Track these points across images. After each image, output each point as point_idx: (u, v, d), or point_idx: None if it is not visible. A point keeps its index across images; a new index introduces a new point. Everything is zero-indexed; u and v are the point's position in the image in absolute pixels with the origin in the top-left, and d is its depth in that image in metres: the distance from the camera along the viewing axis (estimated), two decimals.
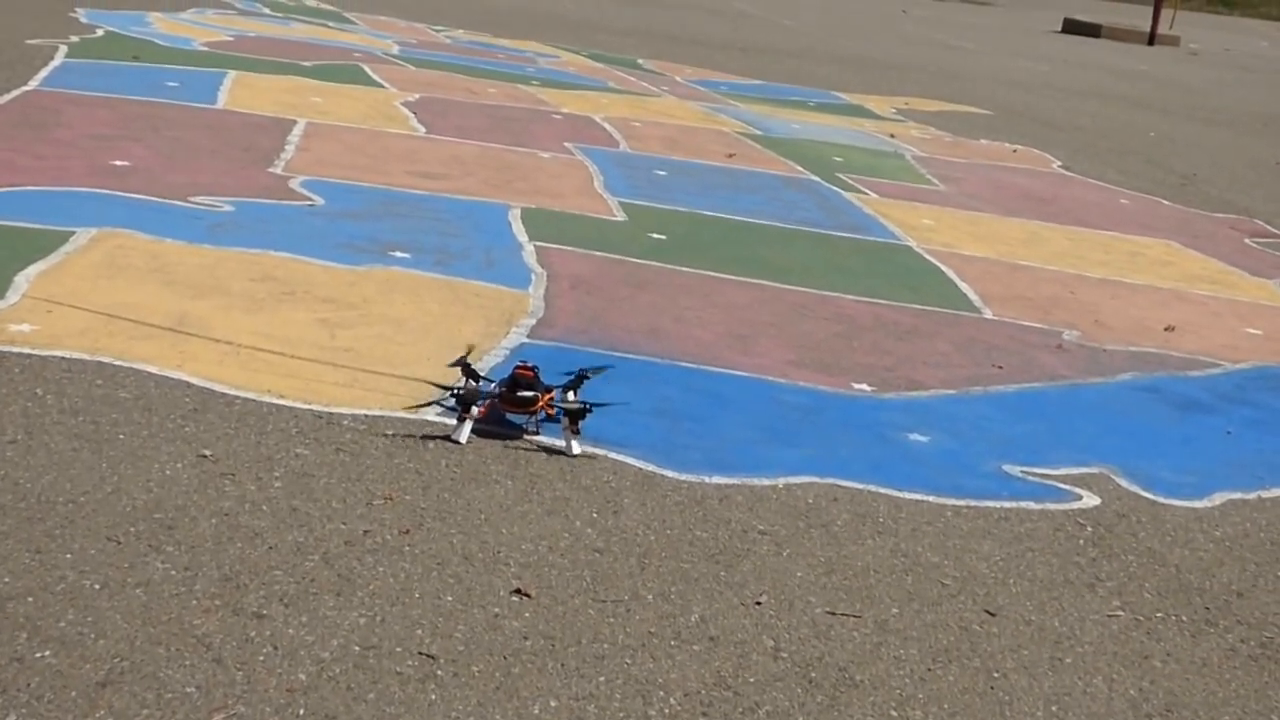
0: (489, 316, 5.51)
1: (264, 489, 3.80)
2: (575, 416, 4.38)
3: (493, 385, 4.56)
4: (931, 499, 4.32)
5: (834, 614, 3.53)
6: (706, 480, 4.24)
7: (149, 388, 4.37)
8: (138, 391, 4.33)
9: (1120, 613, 3.75)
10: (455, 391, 4.48)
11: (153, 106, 8.94)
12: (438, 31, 16.63)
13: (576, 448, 4.34)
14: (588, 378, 4.67)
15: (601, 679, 3.10)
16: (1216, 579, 4.03)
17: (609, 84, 13.45)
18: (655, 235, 7.22)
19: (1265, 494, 4.71)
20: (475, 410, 4.38)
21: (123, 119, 8.38)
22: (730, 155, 9.96)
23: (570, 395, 4.56)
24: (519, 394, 4.45)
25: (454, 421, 4.35)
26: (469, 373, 4.58)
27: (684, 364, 5.26)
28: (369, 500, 3.80)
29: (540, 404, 4.45)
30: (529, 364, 4.56)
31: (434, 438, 4.27)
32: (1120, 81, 20.29)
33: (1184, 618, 3.77)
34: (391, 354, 4.95)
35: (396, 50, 14.09)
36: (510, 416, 4.47)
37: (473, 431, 4.32)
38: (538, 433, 4.45)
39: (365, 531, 3.62)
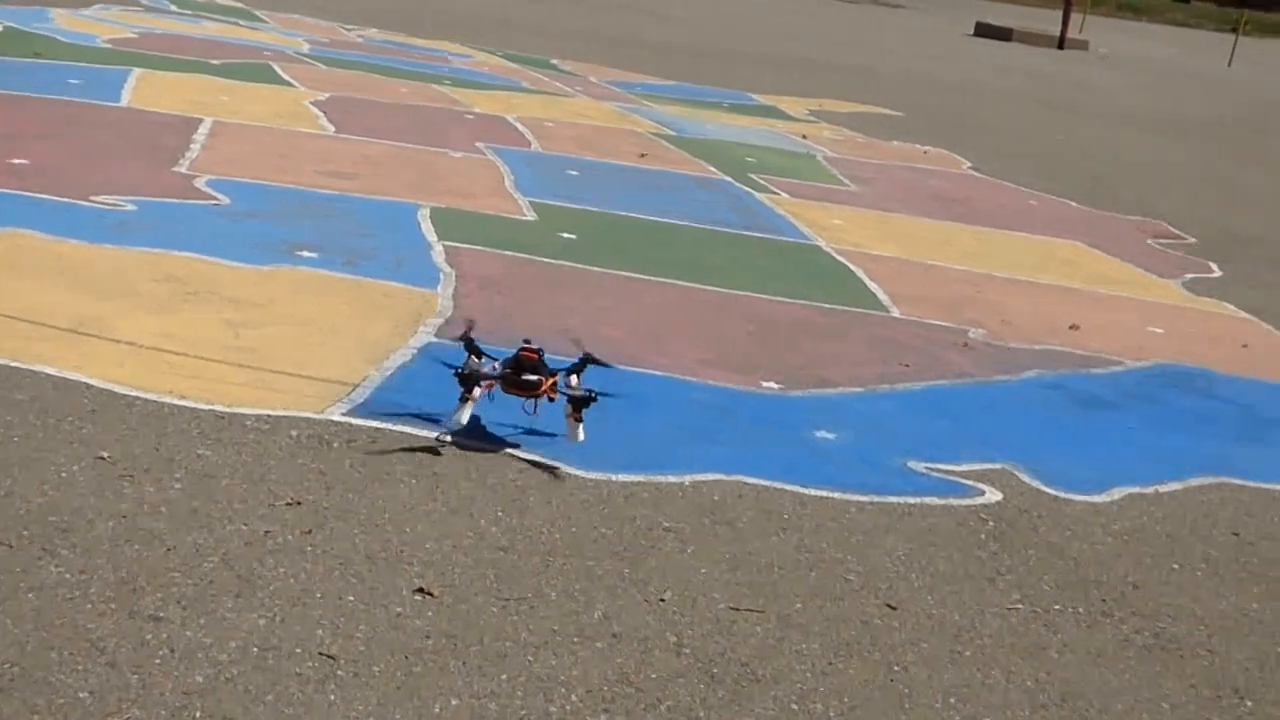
0: (397, 316, 5.49)
1: (163, 490, 3.76)
2: (579, 404, 4.33)
3: (495, 365, 4.46)
4: (837, 495, 4.34)
5: (737, 610, 3.55)
6: (613, 478, 4.24)
7: (47, 389, 4.31)
8: (35, 393, 4.27)
9: (1019, 605, 3.80)
10: (457, 371, 4.39)
11: (54, 104, 8.83)
12: (350, 30, 16.53)
13: (580, 435, 4.31)
14: (593, 362, 4.58)
15: (503, 677, 3.10)
16: (1113, 572, 4.08)
17: (522, 84, 13.43)
18: (566, 235, 7.22)
19: (1163, 489, 4.78)
20: (477, 392, 4.31)
21: (22, 117, 8.27)
22: (643, 155, 9.98)
23: (573, 379, 4.49)
24: (524, 377, 4.36)
25: (360, 421, 4.33)
26: (472, 348, 4.48)
27: (593, 364, 5.25)
28: (271, 501, 3.77)
29: (544, 388, 4.37)
30: (533, 346, 4.45)
31: (338, 438, 4.25)
32: (1030, 84, 20.52)
33: (1081, 610, 3.82)
34: (297, 354, 4.92)
35: (307, 49, 13.99)
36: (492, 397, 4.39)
37: (380, 428, 4.30)
38: (535, 413, 4.40)
39: (267, 532, 3.60)
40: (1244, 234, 9.99)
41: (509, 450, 4.33)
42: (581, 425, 4.34)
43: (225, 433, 4.17)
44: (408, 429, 4.39)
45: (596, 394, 4.37)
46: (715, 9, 29.24)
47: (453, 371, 4.42)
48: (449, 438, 4.31)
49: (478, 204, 7.68)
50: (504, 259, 6.57)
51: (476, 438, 4.35)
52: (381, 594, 3.37)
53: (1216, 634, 3.79)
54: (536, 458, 4.28)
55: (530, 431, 4.46)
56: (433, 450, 4.25)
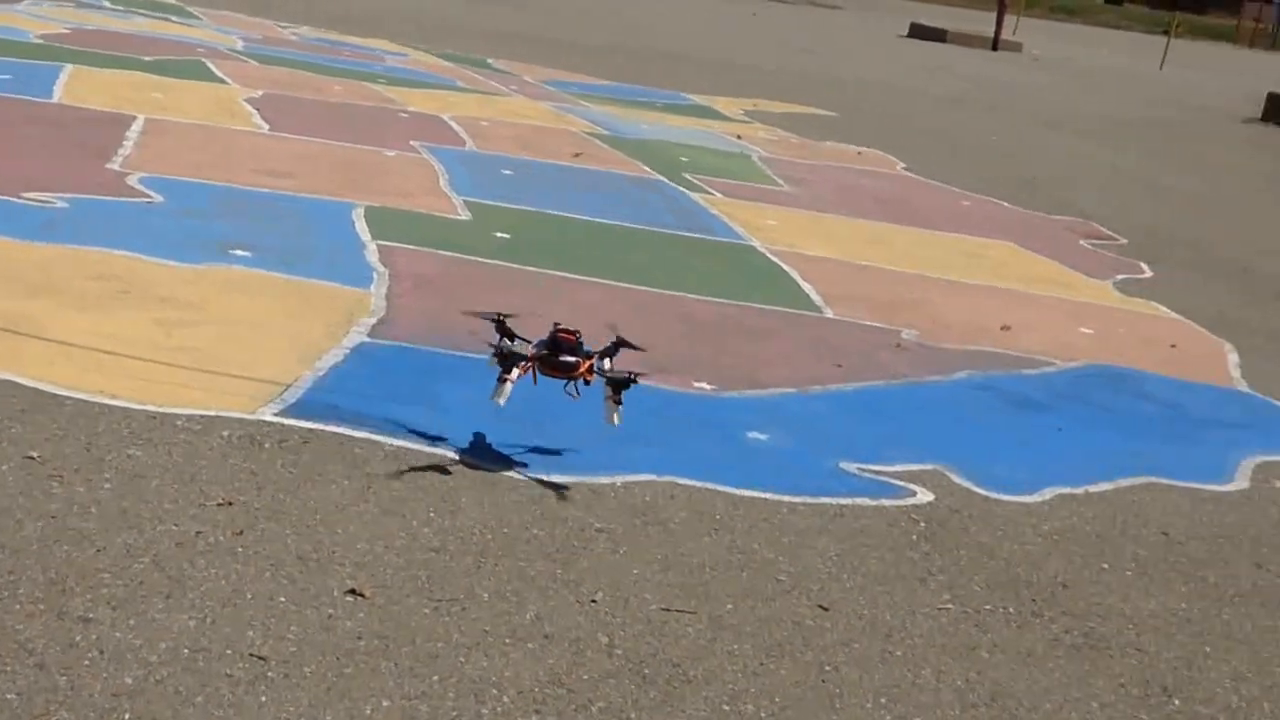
0: (330, 316, 5.46)
1: (93, 491, 3.72)
2: (618, 386, 4.29)
3: (531, 346, 4.41)
4: (769, 496, 4.36)
5: (669, 610, 3.55)
6: (546, 479, 4.24)
7: None
8: None
9: (950, 605, 3.82)
10: (497, 350, 4.33)
11: None
12: (284, 28, 16.43)
13: (617, 419, 4.27)
14: (625, 345, 4.51)
15: (435, 678, 3.09)
16: (1043, 571, 4.12)
17: (458, 83, 13.40)
18: (500, 234, 7.21)
19: (1093, 489, 4.82)
20: (515, 372, 4.26)
21: None
22: (577, 155, 9.98)
23: (607, 363, 4.44)
24: (561, 358, 4.31)
25: (300, 422, 4.31)
26: (504, 331, 4.42)
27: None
28: (202, 502, 3.75)
29: (581, 370, 4.32)
30: (570, 328, 4.40)
31: (270, 438, 4.22)
32: (964, 86, 20.67)
33: (1011, 609, 3.85)
34: (230, 353, 4.89)
35: (241, 46, 13.90)
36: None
37: (312, 428, 4.28)
38: (576, 395, 4.34)
39: (198, 533, 3.57)
40: (1174, 235, 10.10)
41: (452, 458, 4.32)
42: (619, 409, 4.28)
43: (156, 433, 4.14)
44: (340, 429, 4.37)
45: (635, 376, 4.32)
46: (651, 10, 29.26)
47: (492, 351, 4.35)
48: (501, 401, 4.25)
49: (412, 203, 7.66)
50: (438, 258, 6.55)
51: (483, 456, 4.32)
52: (313, 595, 3.35)
53: (1145, 633, 3.83)
54: (542, 476, 4.25)
55: (535, 450, 4.44)
56: (365, 451, 4.24)
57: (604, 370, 4.38)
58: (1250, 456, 5.34)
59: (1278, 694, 3.59)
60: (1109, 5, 62.31)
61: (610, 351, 4.47)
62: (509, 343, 4.38)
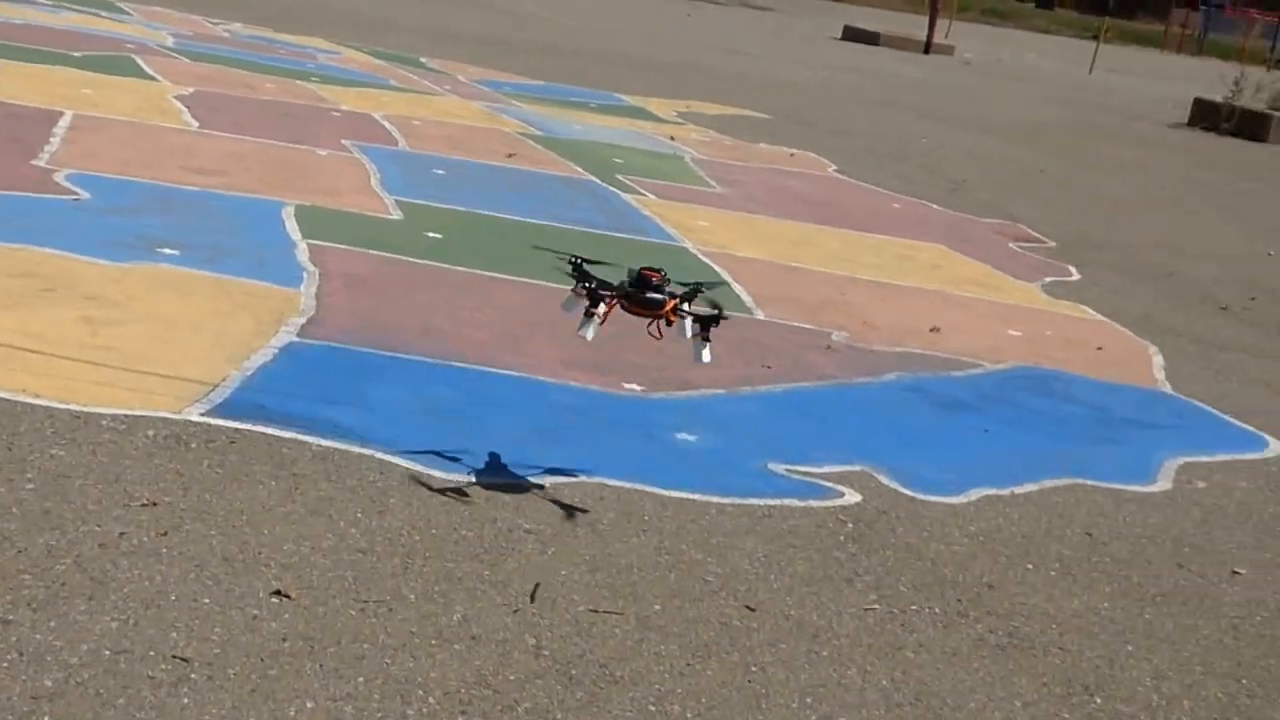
0: (259, 315, 5.43)
1: (15, 491, 3.68)
2: (707, 322, 4.24)
3: (615, 286, 4.31)
4: (697, 497, 4.37)
5: (596, 611, 3.56)
6: (474, 480, 4.23)
7: None
8: None
9: (876, 606, 3.85)
10: (586, 286, 4.26)
11: None
12: (216, 25, 16.31)
13: (707, 355, 4.21)
14: (701, 291, 4.40)
15: (360, 679, 3.08)
16: (969, 572, 4.15)
17: (391, 82, 13.34)
18: (432, 234, 7.19)
19: (1018, 490, 4.87)
20: (602, 308, 4.21)
21: None
22: (510, 155, 9.96)
23: (685, 306, 4.33)
24: (648, 295, 4.23)
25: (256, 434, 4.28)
26: (582, 274, 4.33)
27: (456, 364, 5.25)
28: (126, 502, 3.72)
29: (667, 308, 4.24)
30: (655, 266, 4.33)
31: (196, 438, 4.19)
32: (896, 89, 20.78)
33: (937, 610, 3.88)
34: (156, 352, 4.85)
35: (171, 43, 13.79)
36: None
37: (239, 428, 4.25)
38: (659, 335, 4.28)
39: (121, 534, 3.54)
40: (1102, 238, 10.20)
41: (381, 459, 4.30)
42: (709, 346, 4.23)
43: (80, 432, 4.10)
44: (268, 429, 4.34)
45: (723, 312, 4.27)
46: (585, 10, 29.25)
47: (581, 286, 4.29)
48: (589, 335, 4.22)
49: (343, 202, 7.62)
50: (369, 258, 6.53)
51: (412, 457, 4.30)
52: (238, 596, 3.33)
53: (1068, 632, 3.87)
54: (471, 477, 4.24)
55: (464, 450, 4.42)
56: (293, 451, 4.21)
57: (696, 308, 4.29)
58: (1173, 457, 5.41)
59: (1197, 692, 3.64)
60: (1040, 10, 62.83)
61: (690, 296, 4.38)
62: (587, 286, 4.31)
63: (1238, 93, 19.92)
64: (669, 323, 4.26)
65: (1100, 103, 23.55)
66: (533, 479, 4.30)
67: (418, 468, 4.25)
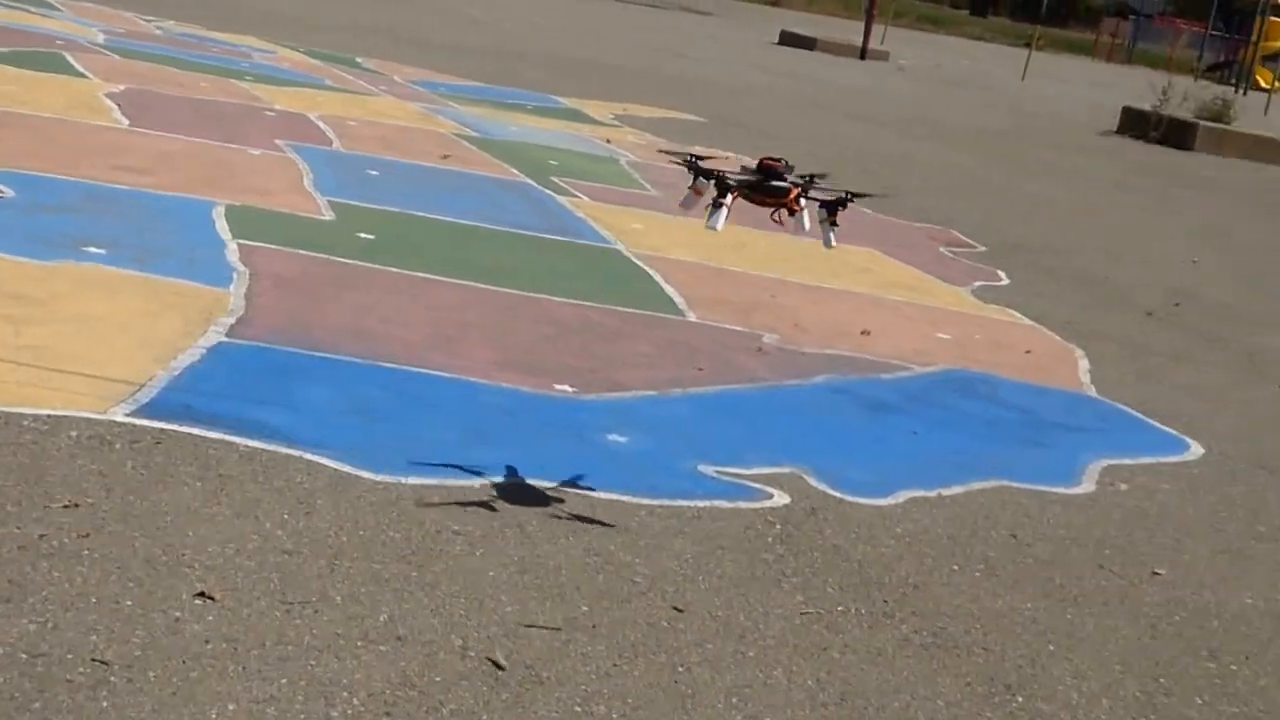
0: (187, 315, 5.39)
1: None
2: (833, 207, 4.31)
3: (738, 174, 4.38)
4: (627, 499, 4.38)
5: (524, 612, 3.56)
6: (403, 481, 4.22)
7: None
8: None
9: (803, 607, 3.87)
10: (717, 175, 4.29)
11: None
12: (148, 22, 16.17)
13: (834, 239, 4.29)
14: (815, 182, 4.43)
15: (284, 681, 3.06)
16: (895, 573, 4.18)
17: (326, 81, 13.28)
18: (364, 235, 7.16)
19: (945, 492, 4.90)
20: (730, 197, 4.22)
21: None
22: (445, 156, 9.94)
23: (802, 201, 4.38)
24: (773, 183, 4.27)
25: None
26: (698, 170, 4.37)
27: (387, 365, 5.23)
28: (47, 504, 3.68)
29: (791, 196, 4.28)
30: (776, 156, 4.37)
31: (120, 439, 4.16)
32: (832, 93, 20.89)
33: (863, 610, 3.91)
34: (81, 352, 4.80)
35: (102, 39, 13.67)
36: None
37: (165, 429, 4.22)
38: (782, 223, 4.36)
39: (41, 536, 3.50)
40: (1032, 243, 10.30)
41: (309, 460, 4.28)
42: (836, 229, 4.30)
43: (1, 433, 4.05)
44: (195, 430, 4.31)
45: (851, 195, 4.32)
46: (523, 12, 29.22)
47: (700, 180, 4.34)
48: (720, 225, 4.28)
49: (275, 202, 7.58)
50: (300, 258, 6.50)
51: (340, 458, 4.27)
52: (160, 598, 3.31)
53: (992, 632, 3.91)
54: (400, 478, 4.22)
55: (393, 451, 4.40)
56: (220, 452, 4.19)
57: (814, 196, 4.36)
58: (1097, 460, 5.47)
59: (1116, 691, 3.68)
60: (974, 17, 63.34)
61: (807, 186, 4.42)
62: (704, 181, 4.36)
63: (1165, 102, 20.15)
64: (791, 211, 4.33)
65: (1032, 109, 23.76)
66: (462, 480, 4.30)
67: (346, 469, 4.24)
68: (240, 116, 10.27)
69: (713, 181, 4.31)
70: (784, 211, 4.33)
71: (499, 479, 4.36)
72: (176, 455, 4.12)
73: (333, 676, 3.12)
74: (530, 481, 4.38)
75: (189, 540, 3.63)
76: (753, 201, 4.34)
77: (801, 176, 4.42)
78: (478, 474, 4.36)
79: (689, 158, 4.40)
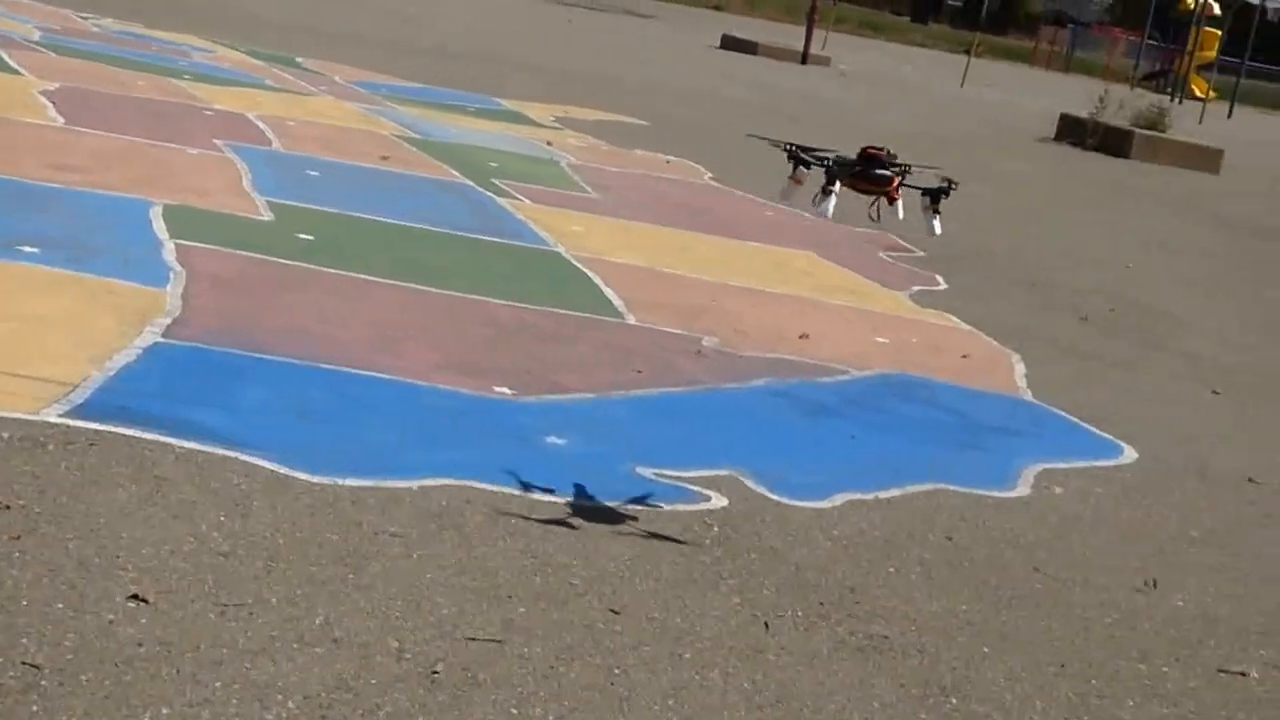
0: (123, 315, 5.35)
1: None
2: (936, 195, 4.45)
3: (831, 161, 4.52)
4: (565, 500, 4.38)
5: (461, 614, 3.55)
6: (341, 483, 4.21)
7: None
8: None
9: (740, 609, 3.88)
10: (826, 163, 4.41)
11: None
12: (85, 19, 16.03)
13: (938, 227, 4.39)
14: (909, 171, 4.54)
15: (218, 684, 3.04)
16: (832, 576, 4.20)
17: (266, 81, 13.21)
18: (303, 236, 7.13)
19: (882, 495, 4.93)
20: (838, 185, 4.33)
21: None
22: (385, 158, 9.90)
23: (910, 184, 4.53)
24: (876, 172, 4.38)
25: None
26: (797, 158, 4.49)
27: (325, 366, 5.21)
28: None
29: (894, 185, 4.39)
30: (877, 145, 4.47)
31: (54, 440, 4.12)
32: (773, 98, 20.96)
33: (799, 613, 3.93)
34: (13, 352, 4.76)
35: (38, 36, 13.54)
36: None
37: (100, 430, 4.19)
38: (880, 217, 4.53)
39: None
40: (969, 248, 10.35)
41: (245, 461, 4.25)
42: (939, 216, 4.45)
43: None
44: (130, 431, 4.28)
45: (952, 183, 4.47)
46: (465, 14, 29.16)
47: (801, 169, 4.51)
48: (830, 211, 4.46)
49: (213, 202, 7.53)
50: (238, 259, 6.46)
51: (277, 459, 4.25)
52: (93, 601, 3.28)
53: (927, 634, 3.93)
54: (337, 480, 4.20)
55: (331, 452, 4.37)
56: (155, 453, 4.16)
57: (924, 182, 4.51)
58: (1032, 464, 5.51)
59: (1049, 692, 3.72)
60: (915, 24, 63.71)
61: (904, 174, 4.53)
62: (804, 170, 4.52)
63: (1102, 109, 20.34)
64: (890, 200, 4.49)
65: (971, 116, 23.92)
66: (401, 482, 4.29)
67: (283, 470, 4.22)
68: (178, 116, 10.20)
69: (804, 176, 4.47)
70: (882, 202, 4.50)
71: (437, 481, 4.35)
72: (111, 456, 4.09)
73: (268, 679, 3.10)
74: (469, 483, 4.37)
75: (123, 542, 3.60)
76: (855, 189, 4.48)
77: (903, 166, 4.55)
78: (416, 476, 4.35)
79: (789, 145, 4.54)
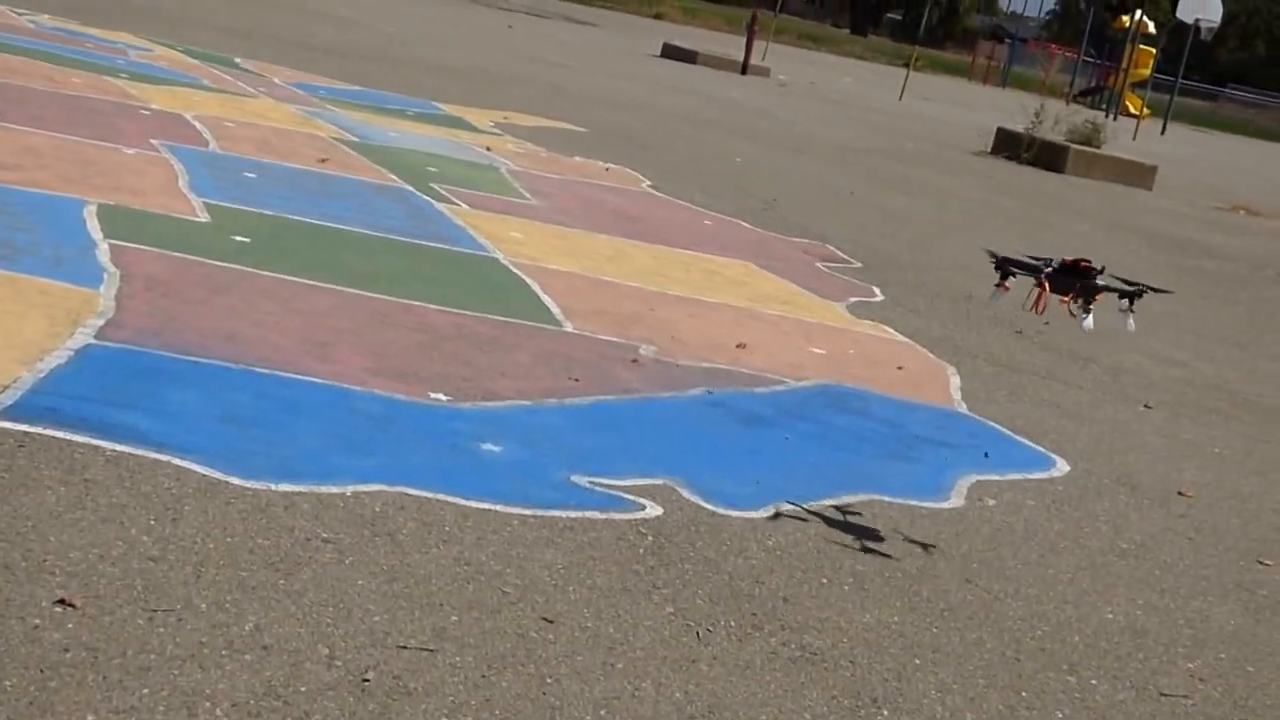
0: (53, 315, 5.29)
1: None
2: (1133, 298, 5.16)
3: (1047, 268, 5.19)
4: (499, 508, 4.37)
5: (393, 622, 3.53)
6: (273, 488, 4.18)
7: None
8: None
9: (673, 619, 3.88)
10: (1034, 274, 5.14)
11: None
12: (20, 15, 15.84)
13: (1132, 325, 5.18)
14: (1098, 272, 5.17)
15: (145, 691, 3.01)
16: (765, 586, 4.21)
17: (204, 81, 13.10)
18: (239, 238, 7.07)
19: (817, 505, 4.94)
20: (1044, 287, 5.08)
21: None
22: (323, 160, 9.85)
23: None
24: (1094, 283, 5.08)
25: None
26: (1005, 268, 5.24)
27: (258, 370, 5.17)
28: None
29: (1098, 296, 5.11)
30: (1079, 258, 5.22)
31: None
32: (713, 107, 21.01)
33: (733, 623, 3.93)
34: None
35: None
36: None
37: (28, 432, 4.14)
38: (1075, 314, 5.16)
39: None
40: (906, 260, 10.43)
41: (177, 465, 4.21)
42: (1133, 316, 5.19)
43: None
44: (59, 433, 4.23)
45: (1145, 288, 5.23)
46: (406, 18, 29.06)
47: (1009, 277, 5.24)
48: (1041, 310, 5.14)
49: (148, 203, 7.46)
50: (173, 260, 6.40)
51: (209, 464, 4.21)
52: (18, 605, 3.24)
53: (859, 646, 3.95)
54: (269, 485, 4.16)
55: (263, 457, 4.34)
56: (85, 456, 4.11)
57: (1121, 284, 5.20)
58: (966, 475, 5.55)
59: (980, 704, 3.74)
60: (854, 36, 64.09)
61: (1099, 289, 5.17)
62: (1011, 274, 5.26)
63: (1038, 124, 20.52)
64: (1087, 308, 5.14)
65: (909, 129, 24.08)
66: (333, 487, 4.26)
67: (214, 474, 4.18)
68: (114, 114, 10.11)
69: (1009, 285, 5.29)
70: (1079, 303, 5.13)
71: (370, 487, 4.32)
72: (40, 459, 4.04)
73: (195, 686, 3.07)
74: (402, 490, 4.35)
75: (50, 545, 3.56)
76: (1055, 291, 5.15)
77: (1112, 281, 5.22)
78: (349, 481, 4.32)
79: (996, 256, 5.32)
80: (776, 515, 4.77)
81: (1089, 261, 5.19)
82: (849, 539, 4.70)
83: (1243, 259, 14.63)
